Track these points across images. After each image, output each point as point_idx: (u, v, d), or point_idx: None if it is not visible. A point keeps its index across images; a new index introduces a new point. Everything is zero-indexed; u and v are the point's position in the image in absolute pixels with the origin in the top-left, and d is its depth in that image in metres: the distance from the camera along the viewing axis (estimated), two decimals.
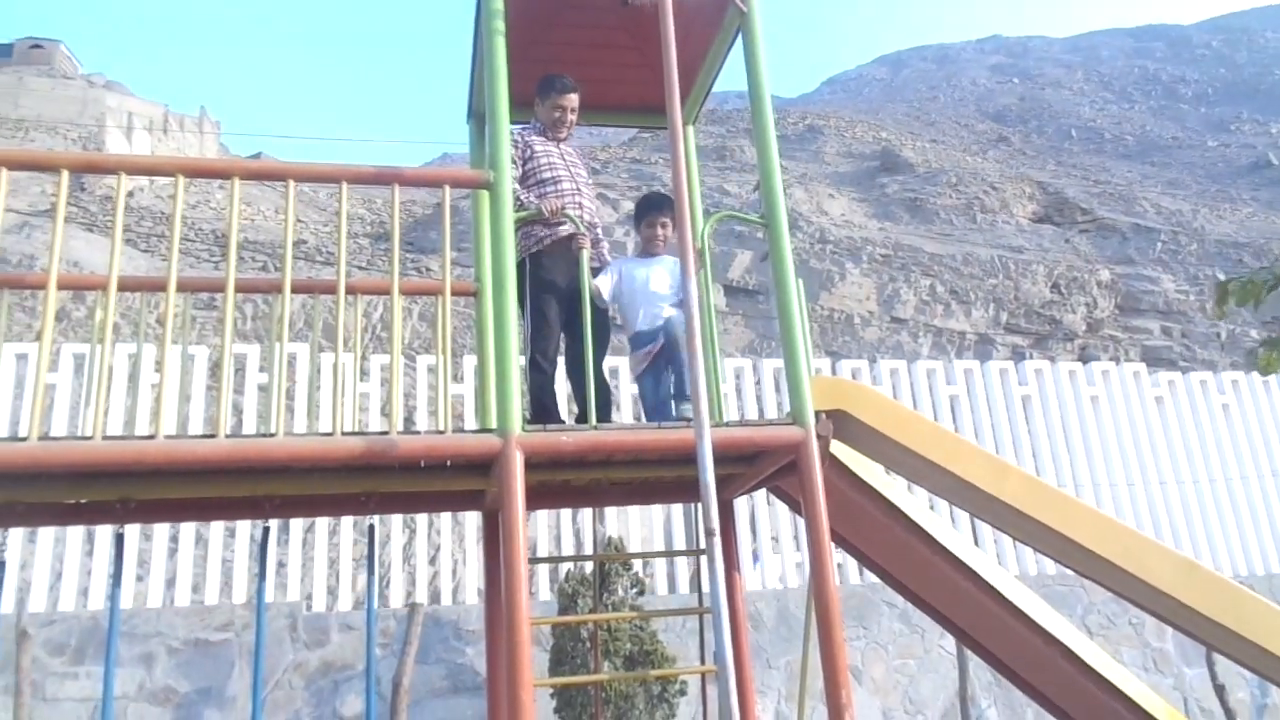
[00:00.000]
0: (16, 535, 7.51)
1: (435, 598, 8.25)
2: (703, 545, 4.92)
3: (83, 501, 3.76)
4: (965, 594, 4.72)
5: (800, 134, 36.44)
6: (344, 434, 3.33)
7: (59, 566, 7.53)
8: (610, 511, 8.26)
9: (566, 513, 8.53)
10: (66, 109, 32.48)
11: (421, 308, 17.63)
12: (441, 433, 3.45)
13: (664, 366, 4.12)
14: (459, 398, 8.19)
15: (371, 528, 3.85)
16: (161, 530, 7.74)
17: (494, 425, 3.56)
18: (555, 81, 4.39)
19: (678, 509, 8.64)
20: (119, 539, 3.68)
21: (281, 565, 8.03)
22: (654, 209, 4.39)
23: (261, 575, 3.77)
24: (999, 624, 4.79)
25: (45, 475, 3.37)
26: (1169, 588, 3.45)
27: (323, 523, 7.94)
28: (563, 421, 3.94)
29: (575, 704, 6.77)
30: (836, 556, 7.47)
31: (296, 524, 7.94)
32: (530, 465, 3.79)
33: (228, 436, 3.22)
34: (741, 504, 8.90)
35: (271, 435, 3.28)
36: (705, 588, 5.19)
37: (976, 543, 8.63)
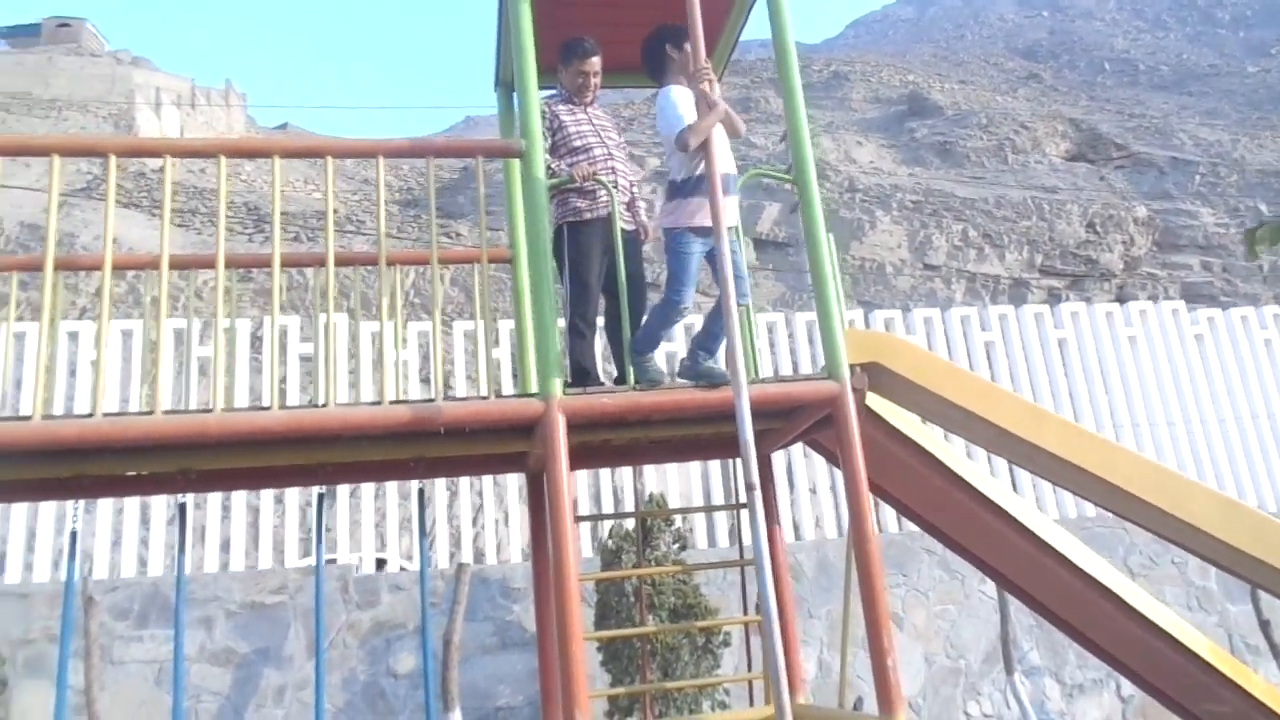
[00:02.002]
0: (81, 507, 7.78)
1: (480, 557, 8.43)
2: (743, 500, 5.02)
3: (144, 473, 3.91)
4: (1004, 539, 4.78)
5: (826, 81, 35.87)
6: (391, 403, 3.44)
7: (119, 535, 7.79)
8: (649, 469, 8.38)
9: (605, 471, 8.65)
10: (95, 87, 32.75)
11: (453, 274, 17.75)
12: (485, 398, 3.55)
13: None
14: (497, 362, 8.30)
15: (421, 491, 3.97)
16: (214, 498, 7.97)
17: (535, 389, 3.64)
18: (577, 46, 4.39)
19: (714, 465, 8.72)
20: (181, 509, 3.83)
21: (328, 530, 8.23)
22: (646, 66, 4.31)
23: (319, 540, 3.91)
24: (1039, 567, 4.85)
25: (110, 449, 3.51)
26: (1209, 526, 3.49)
27: (368, 488, 8.13)
28: (601, 383, 4.01)
29: (622, 657, 6.93)
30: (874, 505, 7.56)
31: (343, 489, 8.13)
32: (571, 427, 3.88)
33: (281, 408, 3.34)
34: (779, 457, 8.98)
35: (323, 406, 3.39)
36: (746, 540, 5.29)
37: (1015, 488, 8.66)
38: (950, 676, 8.15)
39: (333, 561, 8.45)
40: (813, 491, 8.74)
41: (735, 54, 4.56)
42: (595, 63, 4.42)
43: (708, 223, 3.51)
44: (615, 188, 3.99)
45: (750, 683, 5.52)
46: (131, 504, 7.76)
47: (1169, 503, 3.47)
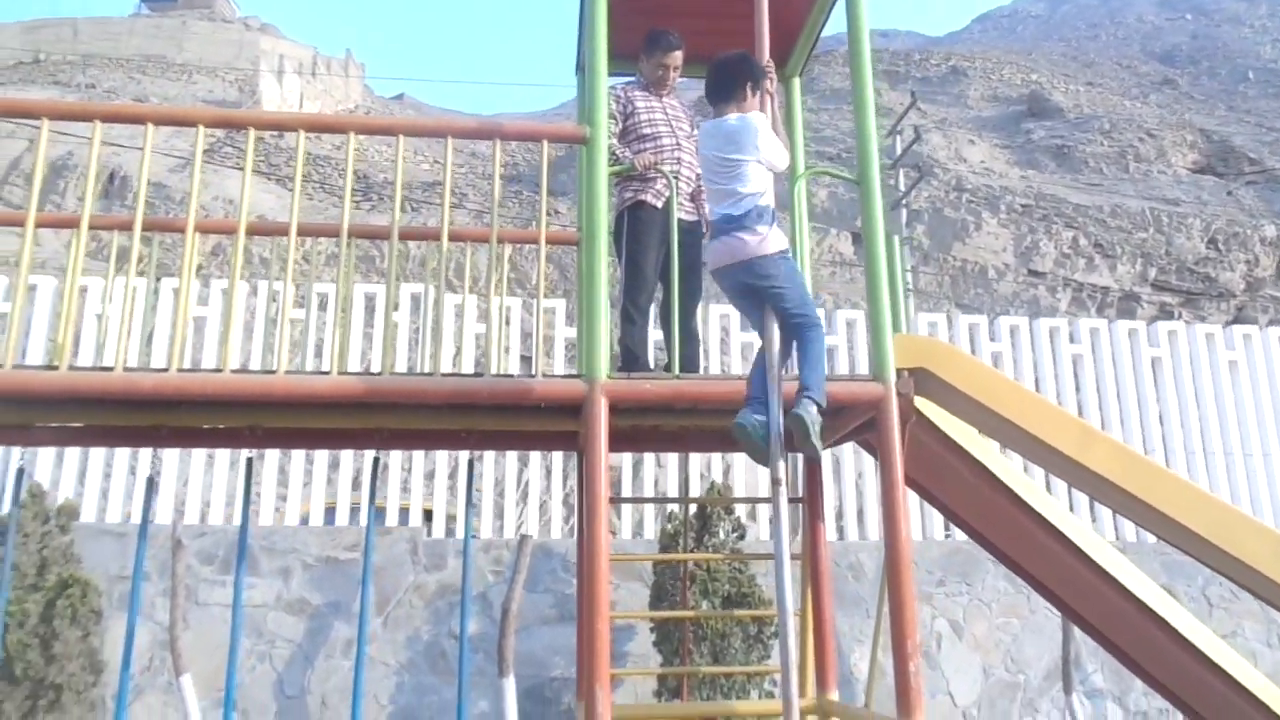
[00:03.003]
0: (173, 457, 8.28)
1: (547, 530, 8.64)
2: (798, 494, 5.05)
3: (219, 427, 4.17)
4: (1055, 556, 4.69)
5: (943, 76, 34.98)
6: (443, 375, 3.59)
7: (209, 485, 8.25)
8: (715, 458, 8.44)
9: (673, 457, 8.74)
10: (225, 52, 34.25)
11: (548, 251, 18.03)
12: (532, 376, 3.67)
13: None
14: (573, 340, 8.46)
15: (471, 463, 4.13)
16: (298, 456, 8.36)
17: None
18: (661, 39, 4.46)
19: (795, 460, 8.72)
20: (249, 463, 4.07)
21: (405, 490, 8.55)
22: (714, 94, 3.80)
23: (371, 500, 4.11)
24: (1090, 589, 4.74)
25: (186, 403, 3.77)
26: (1258, 563, 3.38)
27: (443, 456, 8.41)
28: (650, 369, 4.10)
29: (673, 639, 7.02)
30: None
31: (419, 455, 8.42)
32: (618, 410, 3.98)
33: (340, 374, 3.53)
34: (848, 459, 8.92)
35: (378, 374, 3.57)
36: (796, 534, 5.32)
37: (1072, 507, 8.42)
38: (1008, 690, 8.01)
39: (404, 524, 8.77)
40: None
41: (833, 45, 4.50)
42: (677, 56, 4.48)
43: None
44: (677, 178, 4.06)
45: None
46: (222, 455, 8.20)
47: (1216, 534, 3.37)
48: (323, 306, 8.60)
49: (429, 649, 7.87)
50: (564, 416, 4.03)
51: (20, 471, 4.57)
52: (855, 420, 4.00)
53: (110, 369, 3.40)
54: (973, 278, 22.71)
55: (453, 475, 8.50)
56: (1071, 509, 8.46)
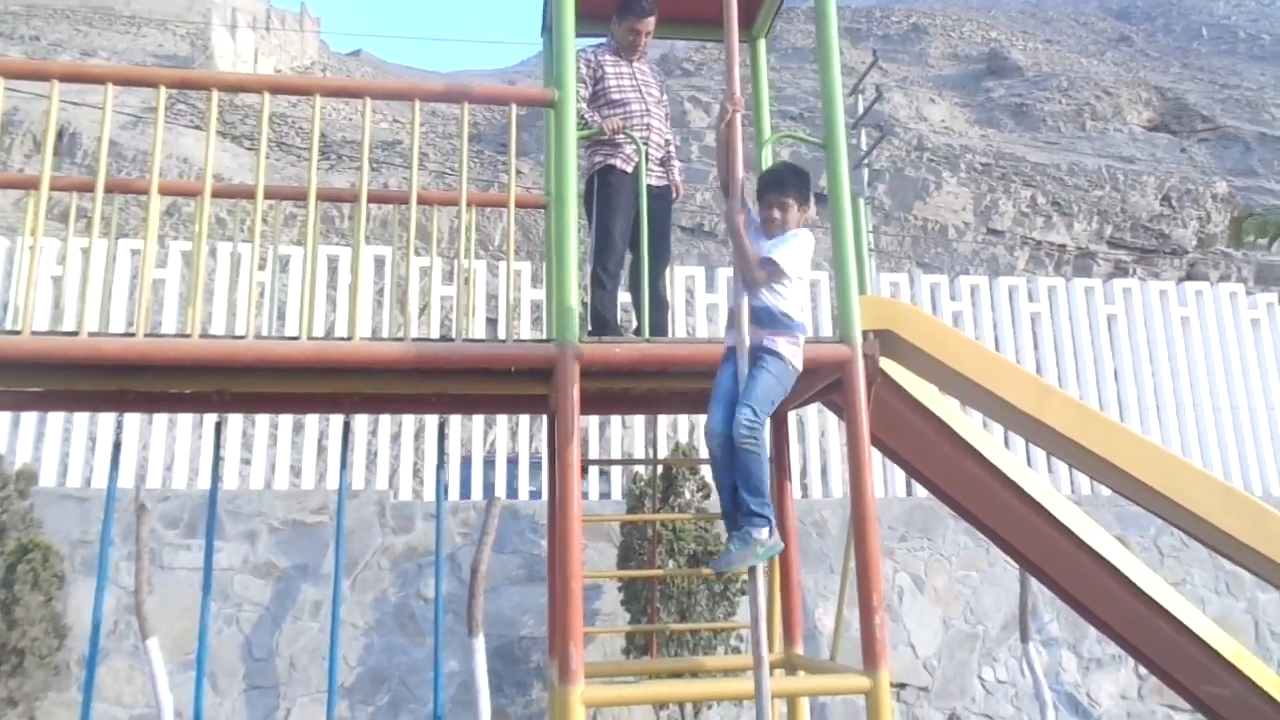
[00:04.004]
0: (134, 419, 8.17)
1: (515, 493, 8.68)
2: None
3: (185, 392, 4.14)
4: (1013, 511, 4.83)
5: (904, 34, 34.96)
6: (413, 340, 3.59)
7: (172, 448, 8.17)
8: (681, 418, 8.51)
9: (639, 419, 8.79)
10: (175, 5, 33.28)
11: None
12: (502, 341, 3.69)
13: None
14: (539, 303, 8.45)
15: (442, 425, 4.14)
16: (263, 419, 8.29)
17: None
18: (635, 4, 4.40)
19: None
20: (217, 427, 4.06)
21: (373, 454, 8.54)
22: (769, 188, 3.59)
23: (343, 465, 4.12)
24: (1046, 541, 4.89)
25: (152, 368, 3.73)
26: (1207, 513, 3.51)
27: (409, 417, 8.39)
28: (619, 333, 4.12)
29: (640, 598, 7.13)
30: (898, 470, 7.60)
31: (386, 417, 8.39)
32: (588, 374, 4.01)
33: (310, 339, 3.52)
34: (815, 418, 9.05)
35: (348, 339, 3.56)
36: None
37: (1029, 464, 8.63)
38: (967, 641, 8.24)
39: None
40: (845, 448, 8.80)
41: (811, 2, 4.43)
42: (650, 22, 4.45)
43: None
44: (647, 144, 4.06)
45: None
46: (184, 419, 8.12)
47: (1166, 485, 3.49)
48: (284, 269, 8.50)
49: (398, 610, 7.92)
50: (534, 380, 4.05)
51: None
52: (821, 382, 4.06)
53: (75, 334, 3.36)
54: (933, 237, 22.93)
55: (419, 436, 8.49)
56: (1029, 465, 8.67)
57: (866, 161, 20.97)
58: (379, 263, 8.55)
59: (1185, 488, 3.51)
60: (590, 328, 4.14)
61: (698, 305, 9.03)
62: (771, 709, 3.01)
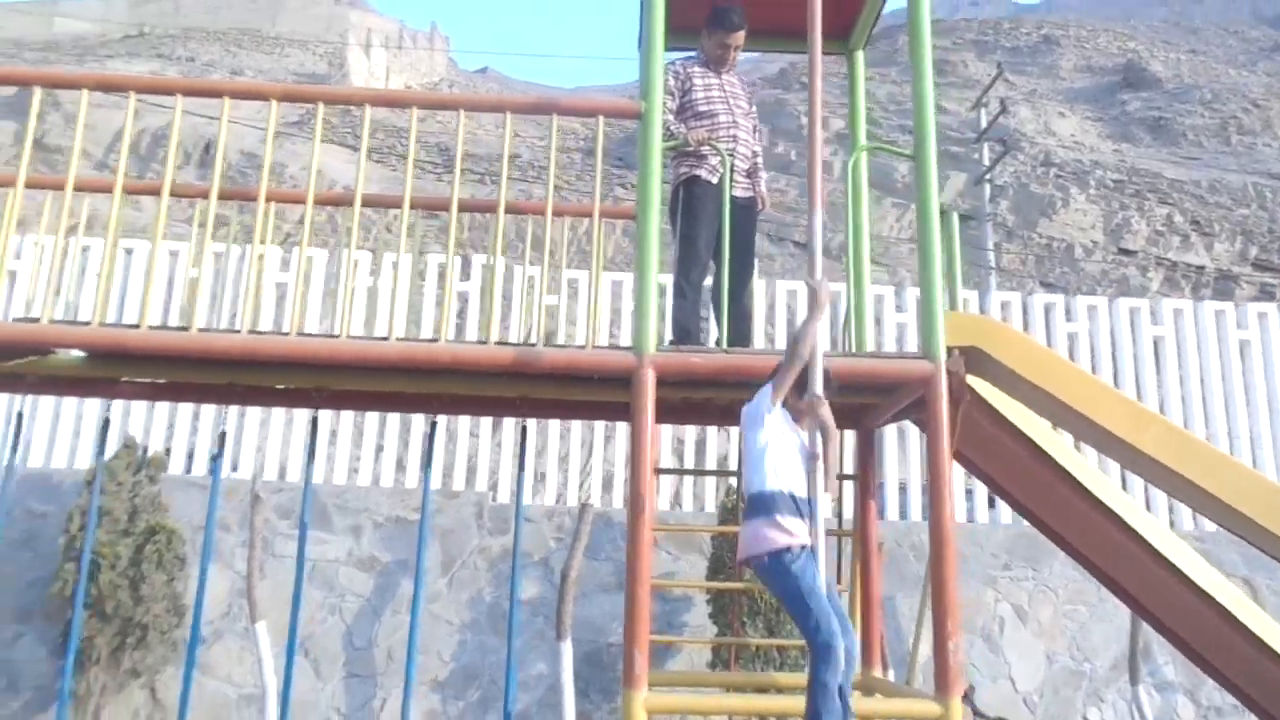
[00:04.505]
0: (254, 417, 8.62)
1: (610, 500, 8.75)
2: (849, 472, 5.05)
3: (288, 388, 4.36)
4: (1115, 543, 4.61)
5: (1034, 45, 33.80)
6: (497, 344, 3.70)
7: (288, 443, 8.58)
8: None
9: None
10: (315, 25, 35.04)
11: (623, 225, 18.13)
12: (582, 348, 3.76)
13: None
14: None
15: (524, 428, 4.25)
16: (372, 420, 8.62)
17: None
18: (725, 18, 4.42)
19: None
20: (313, 422, 4.26)
21: (472, 457, 8.77)
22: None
23: (428, 465, 4.28)
24: (1151, 577, 4.65)
25: (256, 363, 3.95)
26: None
27: (509, 423, 8.58)
28: (700, 344, 4.14)
29: (728, 612, 7.09)
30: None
31: (487, 421, 8.61)
32: (667, 383, 4.04)
33: (399, 340, 3.67)
34: (913, 433, 8.83)
35: (435, 341, 3.69)
36: (849, 513, 5.31)
37: (1149, 504, 8.21)
38: (1072, 679, 7.89)
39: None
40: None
41: (938, 14, 4.32)
42: (739, 36, 4.46)
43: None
44: (733, 155, 4.07)
45: None
46: (301, 415, 8.52)
47: (1269, 519, 3.28)
48: (421, 277, 8.87)
49: (491, 610, 8.10)
50: (616, 387, 4.10)
51: (105, 423, 4.83)
52: (906, 399, 3.99)
53: (186, 329, 3.59)
54: (1059, 256, 22.05)
55: (517, 452, 8.68)
56: (1149, 506, 8.25)
57: (988, 177, 20.39)
58: (483, 270, 8.79)
59: None
60: (672, 338, 4.17)
61: (777, 317, 8.90)
62: None
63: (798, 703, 3.12)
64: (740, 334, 4.08)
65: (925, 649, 7.87)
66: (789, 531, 3.07)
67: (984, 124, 19.68)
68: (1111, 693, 7.81)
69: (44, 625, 7.80)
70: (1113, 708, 7.80)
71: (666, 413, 4.81)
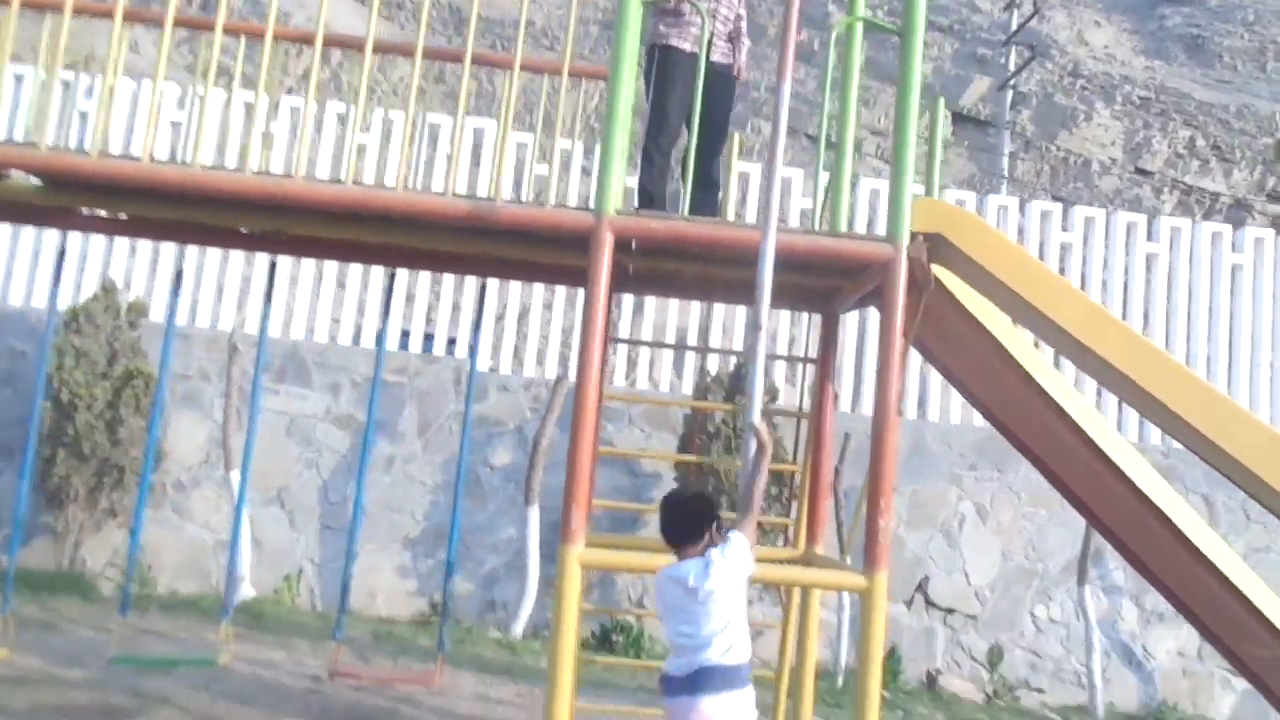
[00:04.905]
0: (236, 269, 8.59)
1: None
2: (813, 355, 5.06)
3: (249, 232, 4.33)
4: (1065, 445, 4.64)
5: None
6: (454, 195, 3.65)
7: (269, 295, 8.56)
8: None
9: (723, 309, 8.68)
10: None
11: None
12: (543, 205, 3.70)
13: None
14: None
15: (483, 285, 4.23)
16: (354, 280, 8.60)
17: None
18: None
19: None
20: (271, 266, 4.24)
21: (454, 326, 8.78)
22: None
23: (385, 315, 4.25)
24: (1099, 481, 4.71)
25: (212, 200, 3.90)
26: (1252, 462, 3.30)
27: (491, 294, 8.56)
28: (664, 210, 4.08)
29: (696, 485, 7.20)
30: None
31: (468, 287, 8.58)
32: (629, 249, 4.00)
33: (355, 184, 3.61)
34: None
35: (390, 188, 3.64)
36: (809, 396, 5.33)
37: (1120, 424, 8.25)
38: (1024, 577, 8.08)
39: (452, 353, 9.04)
40: (920, 376, 8.57)
41: None
42: None
43: None
44: (714, 17, 3.93)
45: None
46: (282, 270, 8.49)
47: (1216, 432, 3.29)
48: (388, 134, 8.72)
49: (464, 473, 8.23)
50: (575, 250, 4.06)
51: (61, 253, 4.79)
52: (869, 283, 3.95)
53: (137, 159, 3.54)
54: (1074, 170, 21.61)
55: (501, 317, 8.69)
56: (1120, 419, 8.29)
57: (1012, 83, 19.83)
58: (479, 135, 8.65)
59: (1237, 437, 3.29)
60: (637, 203, 4.11)
61: (750, 197, 8.75)
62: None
63: None
64: (706, 204, 4.01)
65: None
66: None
67: (1014, 25, 19.01)
68: (1060, 592, 8.02)
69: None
70: (1060, 606, 8.02)
71: (633, 282, 4.79)
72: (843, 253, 3.67)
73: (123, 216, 4.38)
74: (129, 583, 4.90)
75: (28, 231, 8.50)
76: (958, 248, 3.67)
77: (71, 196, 4.03)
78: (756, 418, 3.13)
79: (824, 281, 4.27)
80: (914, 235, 3.65)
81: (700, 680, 2.80)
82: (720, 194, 4.06)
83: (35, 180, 3.95)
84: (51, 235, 8.44)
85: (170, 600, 7.36)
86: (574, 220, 3.62)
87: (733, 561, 2.87)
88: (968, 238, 3.65)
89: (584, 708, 5.31)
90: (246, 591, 7.49)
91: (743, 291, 4.74)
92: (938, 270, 4.18)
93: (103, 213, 4.29)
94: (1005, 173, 21.02)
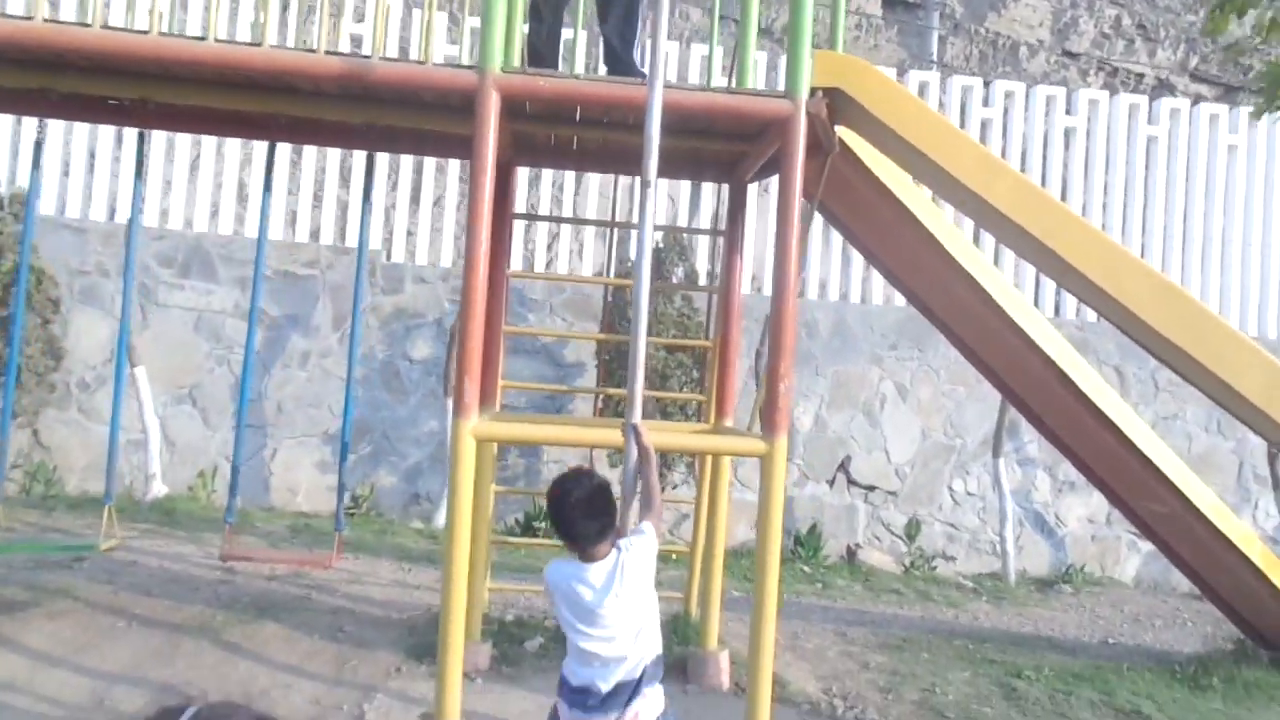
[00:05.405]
0: (130, 150, 8.13)
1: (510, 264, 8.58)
2: (720, 228, 4.95)
3: (116, 102, 4.03)
4: (974, 313, 4.66)
5: None
6: (327, 52, 3.40)
7: (168, 186, 8.16)
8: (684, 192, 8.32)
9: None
10: None
11: None
12: (421, 63, 3.49)
13: None
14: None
15: (370, 157, 4.02)
16: (258, 165, 8.20)
17: None
18: None
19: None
20: (140, 136, 3.97)
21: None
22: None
23: (267, 188, 4.04)
24: (999, 341, 4.75)
25: (64, 64, 3.60)
26: (1140, 309, 3.31)
27: (405, 184, 8.26)
28: (555, 69, 3.88)
29: (615, 375, 7.14)
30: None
31: (380, 174, 8.27)
32: (522, 114, 3.81)
33: (217, 41, 3.35)
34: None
35: (257, 45, 3.38)
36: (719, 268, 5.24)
37: (1037, 299, 8.36)
38: (943, 453, 8.27)
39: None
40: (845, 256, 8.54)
41: None
42: None
43: None
44: None
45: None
46: (181, 161, 8.07)
47: (1104, 278, 3.28)
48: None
49: (384, 367, 8.08)
50: (463, 116, 3.86)
51: None
52: (770, 147, 3.83)
53: None
54: (1003, 53, 21.48)
55: (415, 201, 8.38)
56: (1037, 293, 8.39)
57: None
58: None
59: (1125, 282, 3.29)
60: (527, 63, 3.89)
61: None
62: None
63: (608, 433, 3.13)
64: (615, 70, 3.81)
65: (808, 420, 8.15)
66: None
67: None
68: (978, 466, 8.23)
69: None
70: (976, 480, 8.24)
71: (530, 152, 4.61)
72: (738, 109, 3.52)
73: None
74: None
75: None
76: (858, 103, 3.55)
77: None
78: (637, 413, 2.80)
79: (726, 147, 4.13)
80: (813, 91, 3.52)
81: (629, 690, 2.56)
82: (617, 57, 3.83)
83: None
84: None
85: (79, 500, 7.17)
86: (455, 79, 3.42)
87: (645, 552, 2.63)
88: (863, 89, 3.53)
89: (504, 587, 5.33)
90: (159, 489, 7.32)
91: (661, 164, 4.57)
92: (849, 139, 4.08)
93: None
94: (934, 57, 20.82)
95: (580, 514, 2.59)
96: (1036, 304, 8.41)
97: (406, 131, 4.04)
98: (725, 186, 4.76)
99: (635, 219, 8.12)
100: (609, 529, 2.62)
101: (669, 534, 7.47)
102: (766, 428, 3.47)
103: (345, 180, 8.37)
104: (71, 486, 7.51)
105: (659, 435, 3.27)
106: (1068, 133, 8.65)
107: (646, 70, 3.27)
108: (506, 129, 3.76)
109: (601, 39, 4.07)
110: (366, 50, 7.61)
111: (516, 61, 3.70)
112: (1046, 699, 4.56)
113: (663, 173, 5.11)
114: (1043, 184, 8.50)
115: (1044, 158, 8.66)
